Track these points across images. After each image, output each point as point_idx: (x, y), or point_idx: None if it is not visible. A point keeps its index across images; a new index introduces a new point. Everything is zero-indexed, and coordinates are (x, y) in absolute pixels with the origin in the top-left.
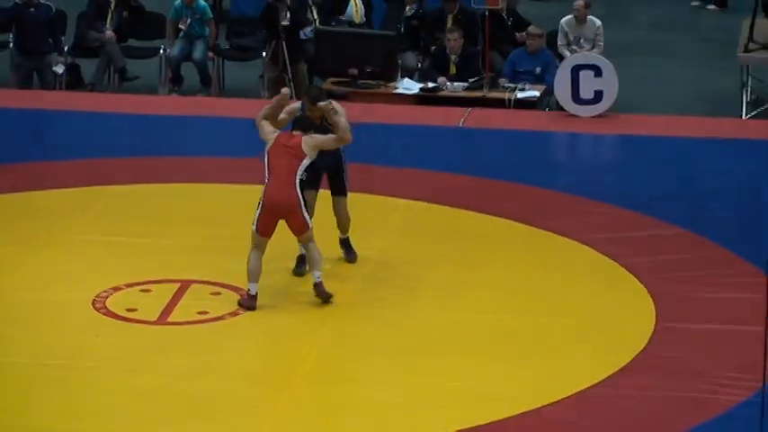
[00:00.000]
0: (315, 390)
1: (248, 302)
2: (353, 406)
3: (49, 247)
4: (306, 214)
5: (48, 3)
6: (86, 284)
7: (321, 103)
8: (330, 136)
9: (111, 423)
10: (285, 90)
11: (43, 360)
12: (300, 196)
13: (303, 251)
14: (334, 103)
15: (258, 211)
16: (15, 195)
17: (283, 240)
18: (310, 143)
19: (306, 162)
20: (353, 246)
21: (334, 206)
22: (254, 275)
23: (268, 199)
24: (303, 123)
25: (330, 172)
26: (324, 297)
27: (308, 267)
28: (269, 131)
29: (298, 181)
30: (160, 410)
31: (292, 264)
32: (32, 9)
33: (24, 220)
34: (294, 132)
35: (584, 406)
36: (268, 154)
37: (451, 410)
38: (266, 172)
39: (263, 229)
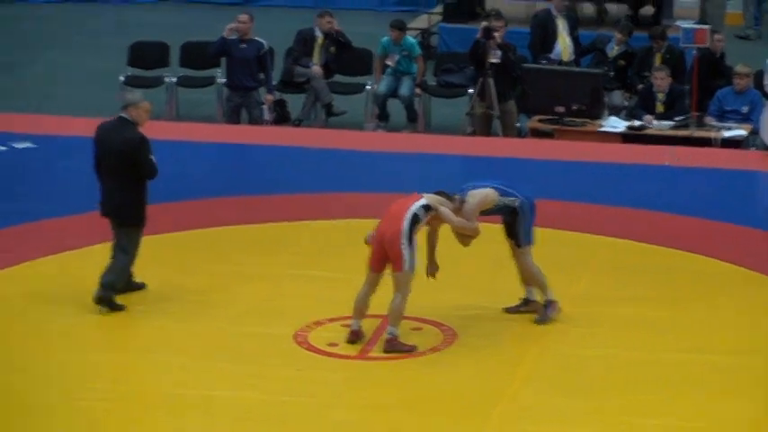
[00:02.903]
0: (514, 427)
1: (349, 337)
2: None
3: (253, 280)
4: (407, 254)
5: (260, 40)
6: (289, 319)
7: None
8: (452, 216)
9: None
10: None
11: (247, 393)
12: (408, 230)
13: (528, 295)
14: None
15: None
16: (222, 229)
17: (492, 282)
18: (434, 199)
19: (422, 201)
20: (551, 312)
21: (514, 258)
22: (355, 311)
23: (378, 233)
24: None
25: (508, 223)
26: (386, 351)
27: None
28: None
29: (410, 216)
30: None
31: (502, 304)
32: (243, 45)
33: (230, 253)
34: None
35: None
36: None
37: None
38: None
39: (371, 264)
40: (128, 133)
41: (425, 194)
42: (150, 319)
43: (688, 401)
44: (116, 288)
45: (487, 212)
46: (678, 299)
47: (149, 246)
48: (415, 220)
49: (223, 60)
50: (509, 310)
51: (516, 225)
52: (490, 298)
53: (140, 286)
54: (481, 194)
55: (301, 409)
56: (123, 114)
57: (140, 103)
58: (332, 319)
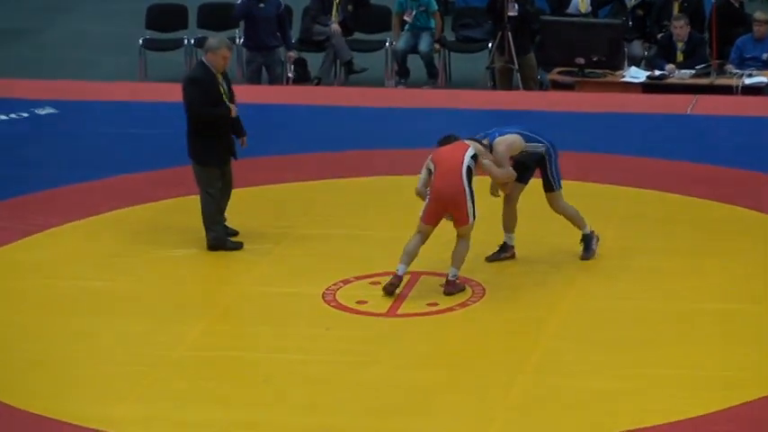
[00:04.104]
0: (542, 381)
1: (390, 282)
2: (581, 395)
3: (278, 240)
4: (471, 208)
5: None
6: (316, 278)
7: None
8: (494, 169)
9: (342, 414)
10: None
11: (275, 354)
12: (468, 186)
13: (506, 240)
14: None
15: (426, 201)
16: (243, 190)
17: (517, 236)
18: (478, 147)
19: (471, 151)
20: (593, 245)
21: (549, 204)
22: (405, 256)
23: (435, 189)
24: None
25: (539, 168)
26: (448, 293)
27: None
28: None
29: (465, 170)
30: (390, 401)
31: (528, 258)
32: (262, 5)
33: (253, 214)
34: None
35: None
36: (435, 159)
37: (678, 398)
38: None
39: (428, 219)
40: (190, 73)
41: (467, 140)
42: (174, 282)
43: (715, 353)
44: (212, 230)
45: (514, 158)
46: (703, 248)
47: (169, 208)
48: (470, 173)
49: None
50: (489, 259)
51: (546, 170)
52: (516, 252)
53: (233, 233)
54: (508, 141)
55: (332, 368)
56: (203, 58)
57: (218, 49)
58: (359, 277)
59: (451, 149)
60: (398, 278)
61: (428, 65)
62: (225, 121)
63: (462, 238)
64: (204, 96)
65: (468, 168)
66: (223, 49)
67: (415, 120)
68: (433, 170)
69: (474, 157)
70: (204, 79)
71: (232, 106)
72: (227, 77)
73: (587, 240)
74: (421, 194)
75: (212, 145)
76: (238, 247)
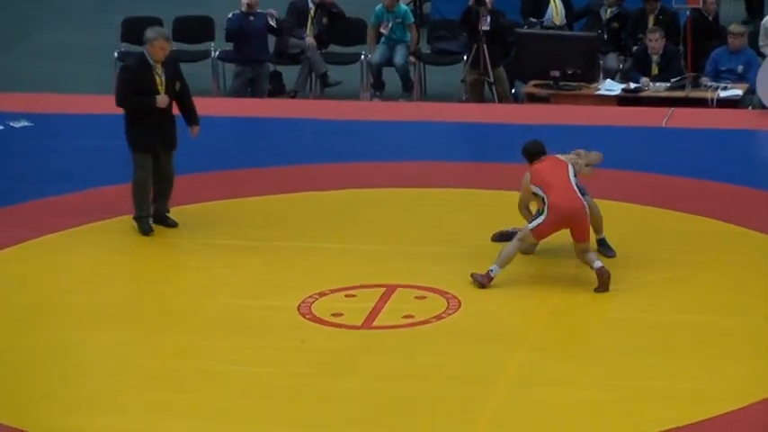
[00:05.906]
0: (521, 392)
1: (482, 279)
2: (560, 407)
3: (254, 254)
4: (589, 222)
5: (264, 12)
6: (292, 290)
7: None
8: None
9: (320, 427)
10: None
11: (252, 366)
12: (584, 201)
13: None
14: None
15: (543, 218)
16: (220, 203)
17: (495, 251)
18: (573, 158)
19: (571, 169)
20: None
21: None
22: (503, 261)
23: (556, 208)
24: None
25: None
26: (603, 282)
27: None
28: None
29: (575, 185)
30: (367, 414)
31: (506, 273)
32: (252, 18)
33: (228, 227)
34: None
35: None
36: (538, 181)
37: (658, 410)
38: (544, 196)
39: (541, 235)
40: (125, 62)
41: (561, 157)
42: (150, 295)
43: (695, 364)
44: (137, 206)
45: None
46: (681, 260)
47: None
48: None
49: (218, 34)
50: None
51: None
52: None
53: (172, 223)
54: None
55: (308, 380)
56: (143, 49)
57: (154, 40)
58: (334, 290)
59: (551, 166)
60: (488, 278)
61: (403, 77)
62: (152, 111)
63: (584, 253)
64: (133, 85)
65: (576, 185)
66: (159, 41)
67: (391, 132)
68: (542, 191)
69: (575, 174)
70: (136, 69)
71: (162, 97)
72: (175, 68)
73: (605, 243)
74: (525, 214)
75: (142, 132)
76: (173, 224)
